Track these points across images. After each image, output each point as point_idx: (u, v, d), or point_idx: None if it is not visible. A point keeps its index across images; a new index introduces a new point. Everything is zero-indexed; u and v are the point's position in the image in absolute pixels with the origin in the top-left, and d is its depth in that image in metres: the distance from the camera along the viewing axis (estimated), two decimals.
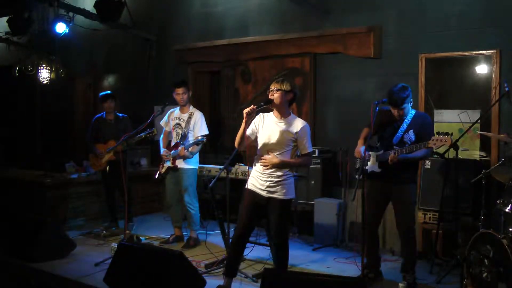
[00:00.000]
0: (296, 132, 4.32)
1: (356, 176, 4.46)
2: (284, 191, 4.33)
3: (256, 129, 4.44)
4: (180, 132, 6.03)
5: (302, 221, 6.52)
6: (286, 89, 4.31)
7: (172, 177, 6.13)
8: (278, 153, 4.33)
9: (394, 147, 4.67)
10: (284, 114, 4.39)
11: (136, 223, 7.25)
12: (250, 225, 4.48)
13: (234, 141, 4.50)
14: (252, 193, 4.43)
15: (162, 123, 6.30)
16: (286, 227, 4.49)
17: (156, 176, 6.24)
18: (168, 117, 6.22)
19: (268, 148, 4.35)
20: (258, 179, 4.41)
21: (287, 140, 4.32)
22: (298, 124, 4.36)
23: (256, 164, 4.45)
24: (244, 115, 4.23)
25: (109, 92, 7.13)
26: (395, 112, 4.69)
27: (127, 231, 6.90)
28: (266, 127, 4.40)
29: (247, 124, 4.32)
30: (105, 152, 6.77)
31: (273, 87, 4.34)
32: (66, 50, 8.87)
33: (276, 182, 4.32)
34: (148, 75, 8.55)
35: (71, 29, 8.08)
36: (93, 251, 5.94)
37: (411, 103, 4.74)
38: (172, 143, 6.10)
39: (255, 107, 4.23)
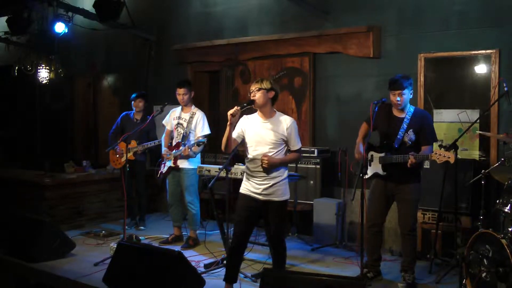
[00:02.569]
0: (286, 129, 4.29)
1: (362, 176, 4.45)
2: (280, 192, 4.32)
3: (243, 132, 4.40)
4: (182, 131, 6.05)
5: (301, 221, 6.52)
6: (266, 87, 4.28)
7: (173, 177, 6.14)
8: (270, 154, 4.28)
9: (410, 152, 4.57)
10: (268, 113, 4.35)
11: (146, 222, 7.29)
12: (248, 231, 4.44)
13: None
14: (247, 197, 4.38)
15: (164, 122, 6.31)
16: (284, 227, 4.49)
17: (158, 176, 6.26)
18: (170, 116, 6.24)
19: (261, 148, 4.29)
20: (252, 182, 4.37)
21: (278, 140, 4.29)
22: (286, 121, 4.32)
23: (248, 166, 4.40)
24: (229, 116, 4.16)
25: (143, 92, 7.12)
26: (394, 98, 4.68)
27: (142, 227, 6.99)
28: (253, 129, 4.36)
29: (232, 126, 4.26)
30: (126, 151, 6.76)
31: (253, 87, 4.31)
32: (66, 50, 8.87)
33: (272, 184, 4.29)
34: (148, 75, 8.54)
35: (70, 29, 8.08)
36: (92, 251, 5.94)
37: (411, 95, 4.75)
38: (174, 143, 6.11)
39: (238, 108, 4.17)
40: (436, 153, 4.33)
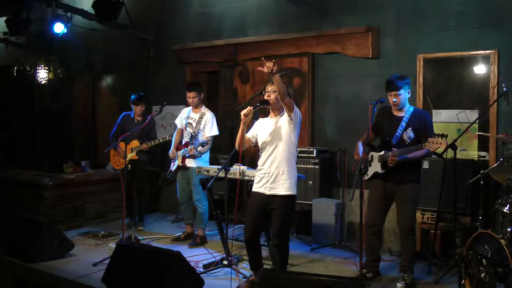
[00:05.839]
0: (291, 118, 4.38)
1: (361, 176, 4.47)
2: (286, 186, 4.38)
3: (256, 132, 4.58)
4: (191, 131, 6.14)
5: (300, 221, 6.52)
6: None
7: (182, 176, 6.23)
8: (282, 149, 4.39)
9: (393, 148, 4.67)
10: (278, 112, 4.52)
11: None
12: (257, 228, 4.57)
13: (232, 141, 4.57)
14: (256, 194, 4.51)
15: (176, 121, 6.43)
16: (287, 226, 4.52)
17: (168, 175, 6.37)
18: (181, 115, 6.34)
19: (271, 145, 4.42)
20: (259, 177, 4.50)
21: (288, 131, 4.40)
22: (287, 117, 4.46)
23: (258, 164, 4.54)
24: (242, 116, 4.34)
25: (141, 94, 7.09)
26: (391, 99, 4.73)
27: (140, 228, 6.99)
28: (266, 128, 4.51)
29: (245, 125, 4.41)
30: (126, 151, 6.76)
31: (269, 88, 4.47)
32: (64, 50, 8.85)
33: (277, 178, 4.38)
34: (147, 75, 8.54)
35: (69, 29, 8.06)
36: (91, 251, 5.93)
37: (409, 94, 4.78)
38: (183, 142, 6.19)
39: (251, 108, 4.35)
40: (429, 142, 4.36)
